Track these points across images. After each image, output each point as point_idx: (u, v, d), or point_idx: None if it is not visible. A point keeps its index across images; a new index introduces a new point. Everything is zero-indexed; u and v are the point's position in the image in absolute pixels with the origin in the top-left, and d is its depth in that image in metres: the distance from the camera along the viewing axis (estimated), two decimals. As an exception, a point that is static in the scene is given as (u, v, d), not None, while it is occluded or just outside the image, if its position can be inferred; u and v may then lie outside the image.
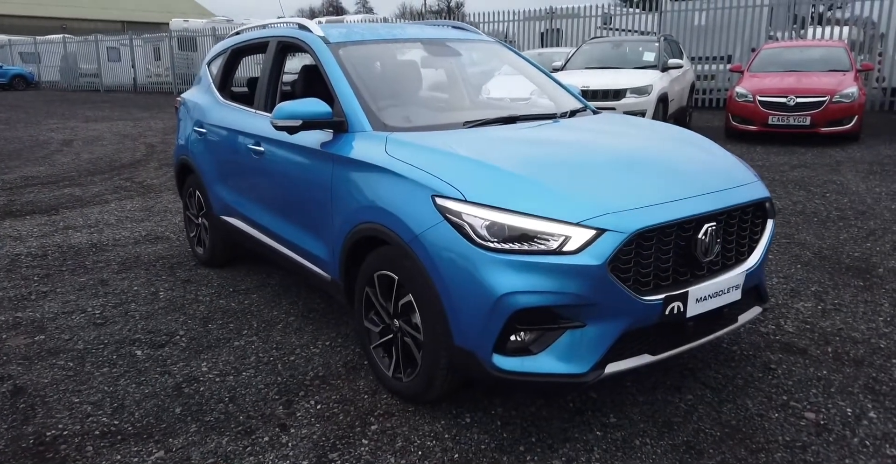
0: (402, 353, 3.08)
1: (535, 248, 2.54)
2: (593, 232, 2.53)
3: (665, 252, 2.71)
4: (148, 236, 6.07)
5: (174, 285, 4.73)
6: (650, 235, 2.63)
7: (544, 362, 2.61)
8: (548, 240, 2.54)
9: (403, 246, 2.83)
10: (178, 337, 3.86)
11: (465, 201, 2.65)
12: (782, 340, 3.79)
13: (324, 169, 3.42)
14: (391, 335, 3.16)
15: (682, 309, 2.72)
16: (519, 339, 2.64)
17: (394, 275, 2.99)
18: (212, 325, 4.03)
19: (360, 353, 3.63)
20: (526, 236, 2.55)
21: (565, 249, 2.52)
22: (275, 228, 3.99)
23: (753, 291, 3.15)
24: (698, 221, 2.77)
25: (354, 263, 3.29)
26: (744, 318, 3.13)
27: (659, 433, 2.88)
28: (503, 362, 2.63)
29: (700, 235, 2.76)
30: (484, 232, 2.59)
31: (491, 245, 2.57)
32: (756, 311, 3.21)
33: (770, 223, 3.19)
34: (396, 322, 3.08)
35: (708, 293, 2.81)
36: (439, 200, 2.71)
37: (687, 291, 2.72)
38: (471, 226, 2.61)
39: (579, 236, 2.52)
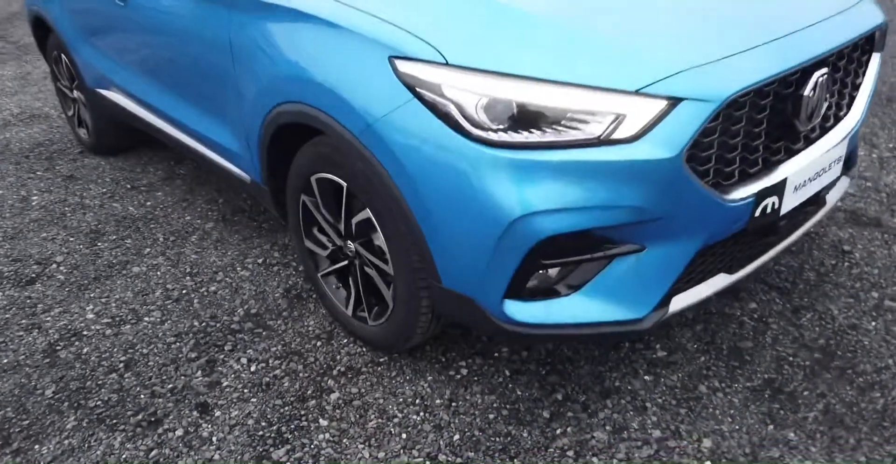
0: (365, 286, 2.16)
1: (566, 137, 1.56)
2: (662, 104, 1.54)
3: (757, 123, 1.75)
4: (21, 115, 4.79)
5: (53, 185, 3.62)
6: (743, 100, 1.65)
7: (581, 307, 1.73)
8: (586, 121, 1.55)
9: (350, 140, 1.81)
10: (53, 266, 2.86)
11: (447, 65, 1.61)
12: (845, 207, 2.98)
13: (217, 18, 2.27)
14: (346, 262, 2.21)
15: (777, 206, 1.82)
16: (542, 274, 1.73)
17: (340, 181, 1.99)
18: (102, 243, 3.01)
19: (305, 273, 2.70)
20: (549, 118, 1.55)
21: (617, 135, 1.55)
22: (165, 108, 2.85)
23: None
24: (804, 70, 1.78)
25: (282, 159, 2.25)
26: (833, 196, 2.26)
27: (729, 370, 2.11)
28: (519, 310, 1.74)
29: (807, 91, 1.79)
30: (481, 115, 1.58)
31: (493, 137, 1.58)
32: (844, 183, 2.33)
33: (876, 60, 2.20)
34: (351, 245, 2.13)
35: (808, 176, 1.90)
36: (403, 66, 1.67)
37: (785, 179, 1.80)
38: (458, 106, 1.60)
39: (640, 112, 1.54)
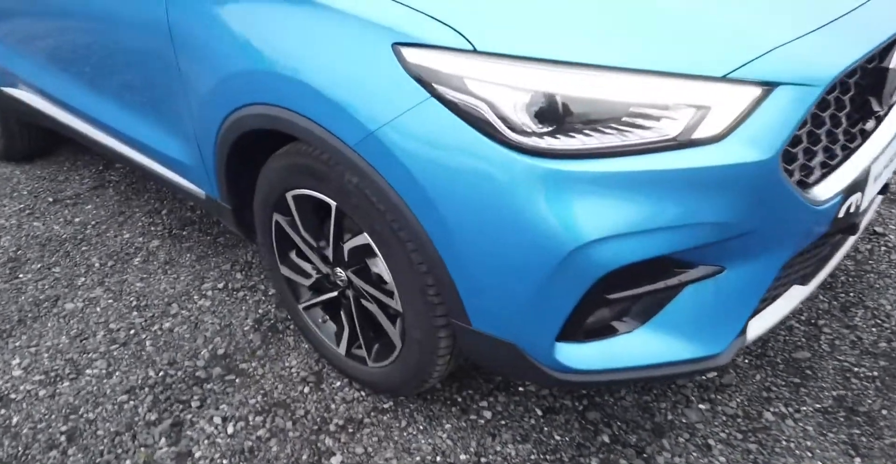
0: (362, 322, 1.79)
1: (633, 139, 1.22)
2: (756, 92, 1.20)
3: (841, 106, 1.44)
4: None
5: (-43, 203, 3.07)
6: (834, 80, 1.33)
7: (647, 346, 1.41)
8: (658, 118, 1.20)
9: (342, 152, 1.42)
10: (-34, 308, 2.37)
11: (475, 52, 1.23)
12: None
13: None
14: (335, 293, 1.83)
15: (860, 201, 1.52)
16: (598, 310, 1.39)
17: (327, 199, 1.60)
18: (24, 274, 2.53)
19: (281, 303, 2.30)
20: (611, 116, 1.20)
21: (698, 134, 1.21)
22: (90, 110, 2.37)
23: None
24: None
25: (246, 171, 1.84)
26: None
27: (792, 390, 1.84)
28: (574, 356, 1.41)
29: (893, 64, 1.49)
30: (521, 115, 1.21)
31: (539, 143, 1.22)
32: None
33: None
34: (342, 274, 1.74)
35: (885, 163, 1.62)
36: (412, 55, 1.29)
37: (868, 169, 1.51)
38: (490, 105, 1.22)
39: (728, 103, 1.21)
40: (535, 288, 1.30)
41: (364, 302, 1.73)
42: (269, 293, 2.33)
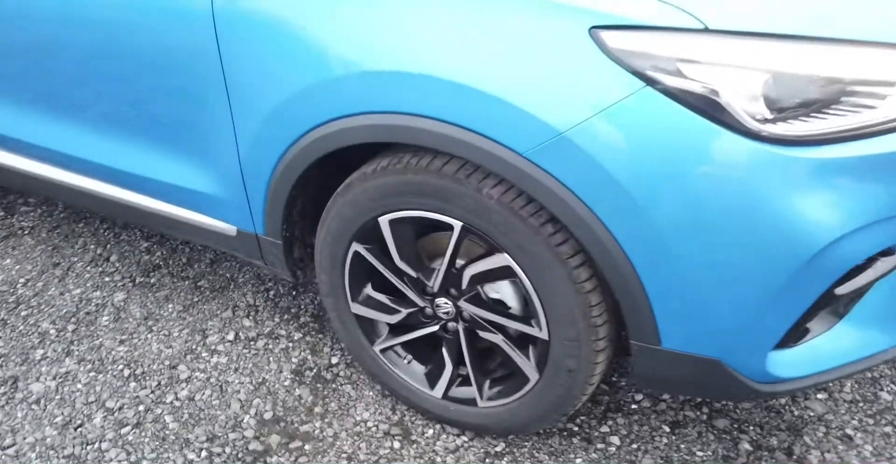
0: (473, 357, 1.55)
1: (878, 118, 1.10)
2: None
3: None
4: None
5: None
6: None
7: (847, 342, 1.32)
8: (882, 96, 1.11)
9: (504, 162, 1.20)
10: None
11: (707, 31, 1.07)
12: None
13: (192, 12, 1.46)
14: (435, 327, 1.58)
15: None
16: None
17: (450, 220, 1.36)
18: (-45, 354, 1.99)
19: (316, 334, 1.98)
20: (862, 96, 1.09)
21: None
22: (51, 143, 1.89)
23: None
24: None
25: (313, 197, 1.55)
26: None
27: (894, 369, 1.84)
28: (785, 363, 1.30)
29: None
30: (760, 101, 1.07)
31: (782, 131, 1.08)
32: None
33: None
34: (447, 305, 1.50)
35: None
36: (618, 39, 1.11)
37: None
38: (725, 91, 1.07)
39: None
40: (768, 293, 1.16)
41: (485, 334, 1.50)
42: (295, 338, 1.99)
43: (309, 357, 1.93)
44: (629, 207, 1.15)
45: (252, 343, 1.99)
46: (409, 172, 1.37)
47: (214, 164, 1.61)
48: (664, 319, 1.25)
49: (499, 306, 1.49)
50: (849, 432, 1.66)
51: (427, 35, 1.22)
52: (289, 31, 1.36)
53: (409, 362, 1.68)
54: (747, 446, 1.63)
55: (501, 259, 1.36)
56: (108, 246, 2.45)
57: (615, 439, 1.66)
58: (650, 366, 1.34)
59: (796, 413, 1.71)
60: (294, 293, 2.19)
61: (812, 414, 1.71)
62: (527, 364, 1.48)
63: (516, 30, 1.15)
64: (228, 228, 1.72)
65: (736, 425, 1.68)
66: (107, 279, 2.28)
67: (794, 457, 1.60)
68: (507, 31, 1.16)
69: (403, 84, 1.25)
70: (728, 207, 1.11)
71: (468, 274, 1.44)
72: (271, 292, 2.20)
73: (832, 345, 1.31)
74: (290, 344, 1.98)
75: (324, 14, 1.33)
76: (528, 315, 1.45)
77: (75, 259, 2.39)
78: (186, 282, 2.26)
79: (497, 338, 1.49)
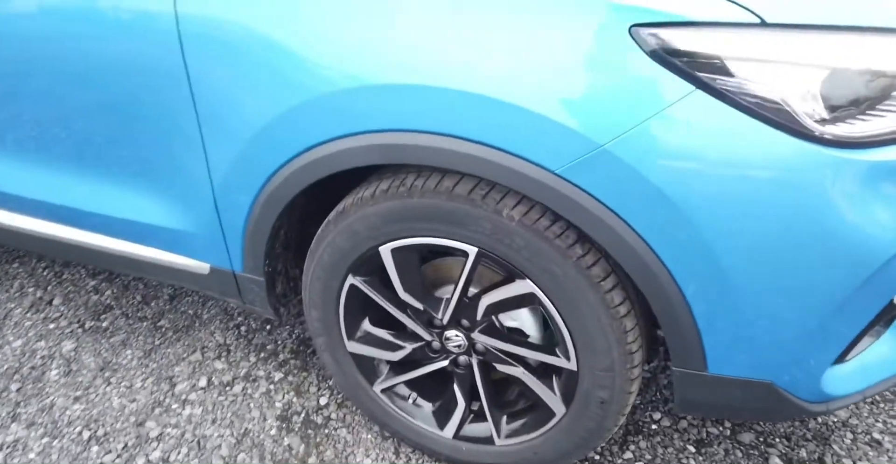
0: (489, 393, 1.42)
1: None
2: None
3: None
4: None
5: None
6: None
7: (887, 353, 1.24)
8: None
9: (532, 182, 1.07)
10: None
11: (763, 25, 0.96)
12: None
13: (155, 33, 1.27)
14: (444, 362, 1.43)
15: None
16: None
17: (464, 246, 1.22)
18: None
19: (299, 372, 1.81)
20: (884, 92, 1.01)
21: None
22: (14, 188, 1.66)
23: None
24: None
25: (294, 226, 1.38)
26: None
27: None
28: (837, 381, 1.20)
29: None
30: (819, 101, 0.97)
31: (838, 131, 0.98)
32: None
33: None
34: (459, 337, 1.37)
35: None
36: (662, 38, 0.97)
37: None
38: (785, 91, 0.96)
39: None
40: (829, 309, 1.07)
41: (502, 367, 1.37)
42: (276, 379, 1.81)
43: (294, 400, 1.75)
44: (677, 223, 1.04)
45: (228, 389, 1.79)
46: (414, 196, 1.22)
47: (182, 196, 1.43)
48: (712, 343, 1.14)
49: (517, 336, 1.36)
50: (876, 436, 1.60)
51: (439, 41, 1.07)
52: (268, 45, 1.19)
53: (413, 401, 1.53)
54: (778, 461, 1.55)
55: (524, 286, 1.23)
56: (50, 287, 2.20)
57: (643, 466, 1.55)
58: (694, 392, 1.23)
59: (820, 420, 1.65)
60: (268, 328, 2.00)
61: (836, 420, 1.65)
62: (552, 397, 1.35)
63: (545, 31, 1.02)
64: (200, 267, 1.53)
65: (762, 439, 1.60)
66: (51, 326, 2.04)
67: (827, 467, 1.53)
68: (534, 32, 1.02)
69: (412, 98, 1.10)
70: (788, 218, 1.01)
71: (484, 303, 1.30)
72: (242, 328, 2.00)
73: (878, 356, 1.23)
74: (272, 386, 1.79)
75: (312, 22, 1.17)
76: (551, 343, 1.33)
77: (12, 305, 2.13)
78: (144, 323, 2.04)
79: (517, 371, 1.36)
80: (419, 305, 1.36)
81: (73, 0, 1.33)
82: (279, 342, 1.94)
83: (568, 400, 1.33)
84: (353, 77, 1.13)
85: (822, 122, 0.98)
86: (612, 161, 1.02)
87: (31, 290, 2.18)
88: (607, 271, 1.18)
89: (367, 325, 1.47)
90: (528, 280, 1.22)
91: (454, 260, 1.39)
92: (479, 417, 1.48)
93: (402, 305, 1.39)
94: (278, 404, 1.74)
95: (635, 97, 1.00)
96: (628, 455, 1.58)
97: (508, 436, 1.45)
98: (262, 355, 1.90)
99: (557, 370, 1.35)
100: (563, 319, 1.23)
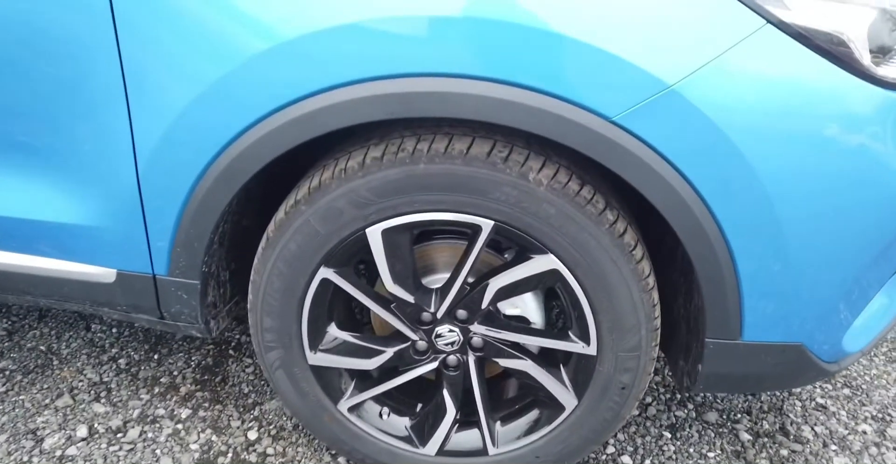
0: (483, 393, 1.25)
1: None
2: None
3: None
4: None
5: None
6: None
7: (876, 308, 1.27)
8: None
9: (582, 131, 0.95)
10: None
11: None
12: None
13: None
14: (433, 363, 1.24)
15: None
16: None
17: (477, 220, 1.06)
18: None
19: (212, 404, 1.48)
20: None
21: None
22: None
23: None
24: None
25: (250, 215, 1.13)
26: None
27: None
28: (853, 338, 1.21)
29: None
30: (869, 45, 0.97)
31: (891, 72, 0.98)
32: None
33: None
34: (454, 332, 1.19)
35: None
36: None
37: None
38: (849, 30, 0.95)
39: None
40: (868, 259, 1.06)
41: (507, 361, 1.21)
42: (183, 416, 1.48)
43: (215, 438, 1.43)
44: (738, 172, 0.97)
45: (120, 435, 1.42)
46: (419, 162, 1.03)
47: (85, 178, 1.09)
48: (752, 308, 1.08)
49: (520, 324, 1.21)
50: (820, 401, 1.66)
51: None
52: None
53: (386, 417, 1.31)
54: (747, 436, 1.54)
55: (545, 262, 1.09)
56: None
57: (626, 460, 1.46)
58: (723, 365, 1.16)
59: (768, 393, 1.68)
60: (156, 357, 1.64)
61: (816, 402, 1.68)
62: (562, 390, 1.21)
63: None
64: (101, 273, 1.18)
65: (727, 416, 1.59)
66: None
67: (792, 436, 1.55)
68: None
69: (438, 34, 0.92)
70: (844, 168, 0.98)
71: (493, 288, 1.13)
72: (121, 361, 1.62)
73: (876, 310, 1.26)
74: (180, 426, 1.45)
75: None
76: (562, 329, 1.20)
77: None
78: (36, 362, 1.58)
79: (525, 364, 1.20)
80: (409, 298, 1.16)
81: None
82: (175, 373, 1.59)
83: (581, 391, 1.21)
84: (356, 8, 0.93)
85: (877, 63, 0.97)
86: (680, 104, 0.92)
87: None
88: (636, 240, 1.09)
89: (333, 330, 1.23)
90: (551, 255, 1.08)
91: (444, 243, 1.21)
92: (466, 425, 1.30)
93: (385, 300, 1.18)
94: (194, 446, 1.41)
95: (706, 32, 0.92)
96: (611, 450, 1.48)
97: (505, 442, 1.28)
98: (156, 390, 1.54)
99: (565, 359, 1.22)
100: (587, 298, 1.11)
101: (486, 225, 1.07)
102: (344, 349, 1.23)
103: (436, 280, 1.21)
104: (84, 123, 1.06)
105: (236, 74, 0.99)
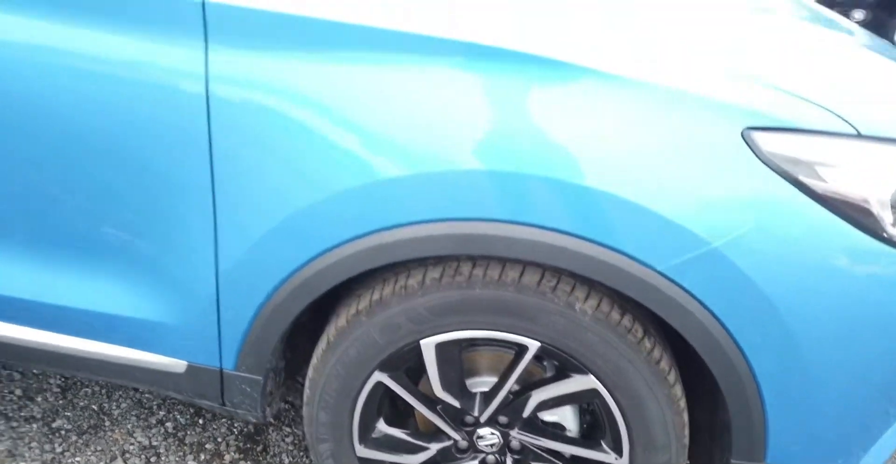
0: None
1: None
2: None
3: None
4: None
5: None
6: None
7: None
8: None
9: (633, 280, 1.06)
10: None
11: (860, 137, 1.04)
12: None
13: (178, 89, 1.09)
14: (473, 462, 1.34)
15: None
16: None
17: (525, 341, 1.17)
18: None
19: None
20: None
21: None
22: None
23: None
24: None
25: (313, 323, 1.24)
26: None
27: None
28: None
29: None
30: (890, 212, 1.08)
31: (915, 235, 1.09)
32: None
33: None
34: (494, 436, 1.29)
35: None
36: (770, 142, 1.02)
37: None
38: (871, 198, 1.05)
39: None
40: (888, 399, 1.15)
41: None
42: (225, 486, 1.57)
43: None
44: (769, 320, 1.06)
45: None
46: (476, 287, 1.14)
47: (172, 285, 1.21)
48: (777, 437, 1.17)
49: (556, 431, 1.31)
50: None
51: (546, 130, 1.03)
52: (322, 120, 1.07)
53: (422, 509, 1.40)
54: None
55: (584, 382, 1.19)
56: None
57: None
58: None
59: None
60: (201, 422, 1.74)
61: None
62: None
63: (660, 127, 1.01)
64: (173, 364, 1.29)
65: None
66: None
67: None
68: (649, 129, 1.01)
69: (509, 187, 1.04)
70: (869, 320, 1.08)
71: (536, 400, 1.23)
72: (168, 425, 1.73)
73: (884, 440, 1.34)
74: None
75: (379, 95, 1.06)
76: (592, 437, 1.29)
77: None
78: (34, 425, 1.68)
79: (542, 467, 1.30)
80: (456, 403, 1.26)
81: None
82: (219, 440, 1.69)
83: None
84: (443, 160, 1.04)
85: (896, 227, 1.07)
86: (721, 262, 1.02)
87: None
88: (670, 365, 1.18)
89: (382, 425, 1.33)
90: (591, 376, 1.18)
91: (489, 350, 1.31)
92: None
93: (431, 402, 1.28)
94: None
95: (747, 198, 1.02)
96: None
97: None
98: (202, 457, 1.64)
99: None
100: (624, 417, 1.20)
101: (533, 345, 1.17)
102: (390, 444, 1.33)
103: (478, 383, 1.31)
104: (174, 234, 1.18)
105: (325, 205, 1.10)
